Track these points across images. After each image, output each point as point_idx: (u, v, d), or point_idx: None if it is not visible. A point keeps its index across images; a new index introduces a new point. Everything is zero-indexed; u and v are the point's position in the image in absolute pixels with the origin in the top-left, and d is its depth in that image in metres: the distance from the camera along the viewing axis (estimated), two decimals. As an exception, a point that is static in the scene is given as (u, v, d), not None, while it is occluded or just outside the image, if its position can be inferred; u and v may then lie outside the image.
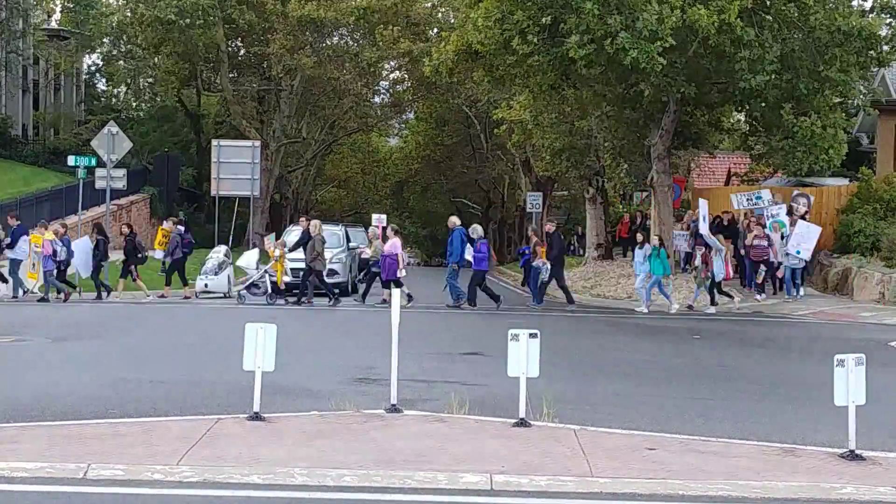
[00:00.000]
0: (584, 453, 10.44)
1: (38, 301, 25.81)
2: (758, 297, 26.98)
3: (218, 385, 13.95)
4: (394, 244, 26.16)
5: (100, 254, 27.65)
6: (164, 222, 29.79)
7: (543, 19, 25.54)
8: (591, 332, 21.08)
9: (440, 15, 54.09)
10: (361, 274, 30.73)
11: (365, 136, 69.99)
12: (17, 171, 45.47)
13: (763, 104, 27.06)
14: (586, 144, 39.29)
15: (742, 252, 27.65)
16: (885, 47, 26.55)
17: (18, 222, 27.44)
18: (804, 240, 26.50)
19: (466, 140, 64.83)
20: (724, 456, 10.60)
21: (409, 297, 25.21)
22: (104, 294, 27.33)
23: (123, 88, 63.06)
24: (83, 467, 9.63)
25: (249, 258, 28.55)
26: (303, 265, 26.72)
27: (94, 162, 32.32)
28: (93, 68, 64.04)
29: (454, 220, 27.18)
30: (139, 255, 28.24)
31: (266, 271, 26.66)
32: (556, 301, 27.79)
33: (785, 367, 17.16)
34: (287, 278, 27.30)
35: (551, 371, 13.47)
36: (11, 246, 26.68)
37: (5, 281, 27.11)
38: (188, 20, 44.18)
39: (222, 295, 28.94)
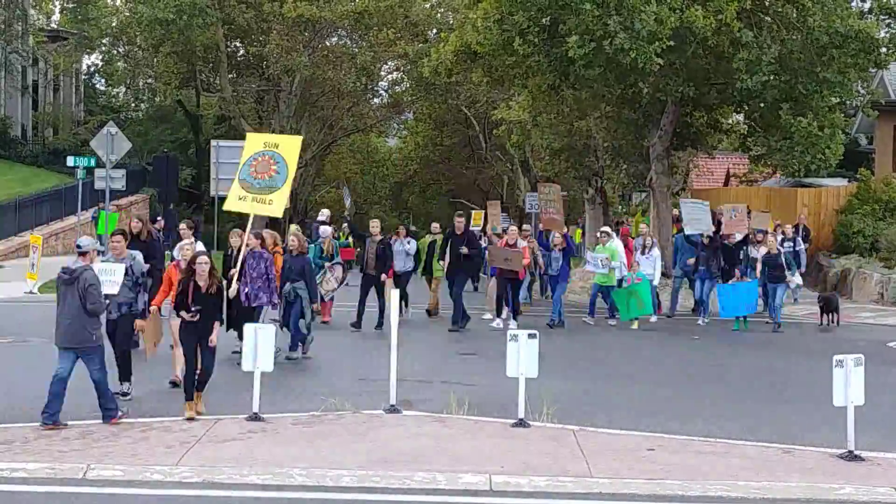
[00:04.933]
0: (583, 454, 10.45)
1: None
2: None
3: (216, 385, 13.95)
4: None
5: None
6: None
7: (543, 20, 25.55)
8: (589, 333, 21.07)
9: (439, 15, 54.11)
10: None
11: (364, 137, 69.96)
12: (17, 171, 45.43)
13: (762, 105, 27.09)
14: (585, 145, 39.29)
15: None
16: (883, 49, 26.55)
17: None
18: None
19: (465, 141, 64.82)
20: (723, 456, 10.61)
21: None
22: None
23: (122, 89, 63.05)
24: (83, 468, 9.63)
25: None
26: None
27: (93, 162, 32.26)
28: (92, 69, 64.02)
29: None
30: None
31: None
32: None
33: (784, 367, 17.16)
34: None
35: (550, 372, 13.48)
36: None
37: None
38: (186, 18, 44.18)
39: None
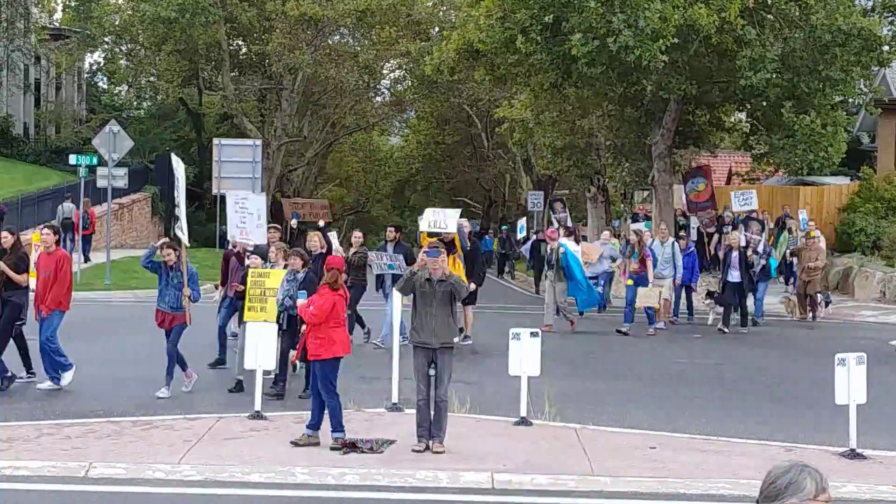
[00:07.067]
0: (585, 452, 10.44)
1: None
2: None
3: (217, 384, 13.96)
4: None
5: None
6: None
7: (546, 18, 25.53)
8: (591, 332, 21.05)
9: (441, 13, 54.10)
10: None
11: (366, 135, 69.93)
12: (19, 169, 45.41)
13: (764, 103, 27.07)
14: (587, 143, 39.24)
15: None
16: (886, 47, 26.53)
17: None
18: None
19: (467, 139, 64.80)
20: (725, 454, 10.60)
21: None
22: None
23: (125, 87, 63.02)
24: (85, 466, 9.63)
25: None
26: None
27: (95, 161, 32.25)
28: (94, 67, 64.04)
29: None
30: None
31: None
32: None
33: (786, 366, 17.15)
34: None
35: (552, 370, 13.47)
36: None
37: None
38: (188, 16, 44.19)
39: None
